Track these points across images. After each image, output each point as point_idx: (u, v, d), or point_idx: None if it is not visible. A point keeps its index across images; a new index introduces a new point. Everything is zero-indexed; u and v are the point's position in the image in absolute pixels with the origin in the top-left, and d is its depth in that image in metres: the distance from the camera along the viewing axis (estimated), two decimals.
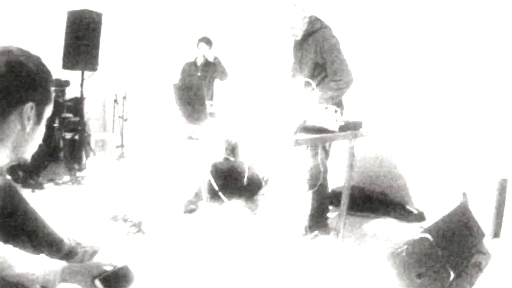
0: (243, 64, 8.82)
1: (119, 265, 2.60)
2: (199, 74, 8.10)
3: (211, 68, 8.29)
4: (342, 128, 4.58)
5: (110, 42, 9.24)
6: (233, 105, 4.95)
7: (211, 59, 8.33)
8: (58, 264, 2.40)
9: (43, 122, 2.33)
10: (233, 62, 8.87)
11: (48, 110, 2.35)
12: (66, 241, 3.58)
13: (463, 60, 6.46)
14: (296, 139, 4.05)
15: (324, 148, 5.63)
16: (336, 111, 4.43)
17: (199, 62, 8.15)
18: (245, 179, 6.21)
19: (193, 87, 5.07)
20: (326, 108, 4.45)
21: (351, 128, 4.83)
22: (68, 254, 3.56)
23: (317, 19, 5.63)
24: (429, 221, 5.02)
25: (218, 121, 5.00)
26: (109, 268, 2.52)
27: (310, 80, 5.18)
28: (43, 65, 2.27)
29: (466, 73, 6.43)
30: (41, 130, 2.33)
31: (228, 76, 8.43)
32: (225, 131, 4.98)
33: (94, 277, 2.42)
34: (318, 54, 5.51)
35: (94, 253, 3.85)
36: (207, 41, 8.11)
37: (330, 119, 4.36)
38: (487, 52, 6.23)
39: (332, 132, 4.45)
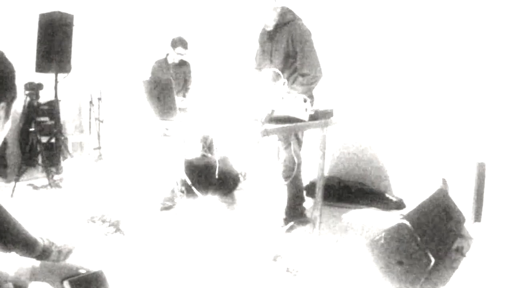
0: (212, 58, 8.80)
1: (93, 269, 2.56)
2: (170, 72, 8.03)
3: (182, 68, 8.23)
4: (313, 117, 4.58)
5: (82, 43, 9.18)
6: (203, 99, 4.92)
7: (186, 59, 8.28)
8: (29, 263, 2.37)
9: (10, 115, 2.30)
10: (202, 56, 8.85)
11: (15, 103, 2.32)
12: (39, 241, 3.56)
13: (438, 45, 6.48)
14: (265, 129, 4.05)
15: (297, 138, 5.61)
16: (305, 101, 4.41)
17: (170, 61, 8.07)
18: (216, 174, 6.16)
19: (162, 83, 5.03)
20: (295, 97, 4.44)
21: (321, 117, 4.81)
22: (42, 254, 3.54)
23: (289, 10, 5.61)
24: (409, 209, 5.00)
25: (189, 116, 4.99)
26: (82, 271, 2.48)
27: (279, 72, 5.16)
28: (7, 61, 2.23)
29: (441, 59, 6.46)
30: (9, 122, 2.30)
31: (191, 83, 8.38)
32: (196, 126, 4.97)
33: (64, 278, 2.38)
34: (290, 45, 5.49)
35: (69, 252, 3.83)
36: (185, 44, 8.04)
37: (300, 108, 4.35)
38: (460, 38, 6.25)
39: (302, 121, 4.44)
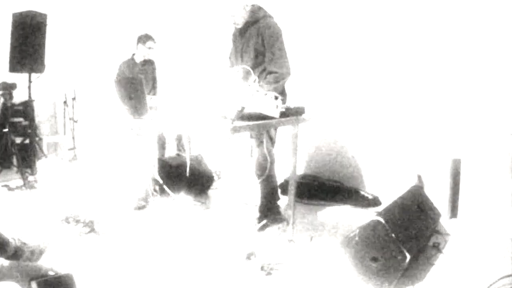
0: (181, 56, 8.77)
1: (62, 272, 2.53)
2: (138, 70, 7.96)
3: (149, 66, 8.16)
4: (284, 114, 4.56)
5: (56, 43, 9.11)
6: (173, 97, 4.89)
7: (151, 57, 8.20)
8: None
9: None
10: (171, 54, 8.82)
11: None
12: (11, 241, 3.51)
13: (410, 41, 6.51)
14: (235, 126, 4.02)
15: (270, 137, 5.59)
16: (276, 98, 4.39)
17: (138, 60, 8.00)
18: (187, 173, 6.13)
19: (133, 82, 5.00)
20: (266, 94, 4.42)
21: (292, 114, 4.80)
22: (14, 254, 3.49)
23: (260, 8, 5.59)
24: (385, 206, 5.00)
25: (159, 114, 4.96)
26: (51, 273, 2.45)
27: (250, 69, 5.13)
28: None
29: (415, 55, 6.48)
30: None
31: (157, 81, 8.33)
32: (166, 124, 4.94)
33: (32, 279, 2.35)
34: (260, 43, 5.47)
35: (41, 252, 3.78)
36: (153, 38, 7.98)
37: (270, 105, 4.33)
38: (433, 33, 6.28)
39: (273, 118, 4.42)
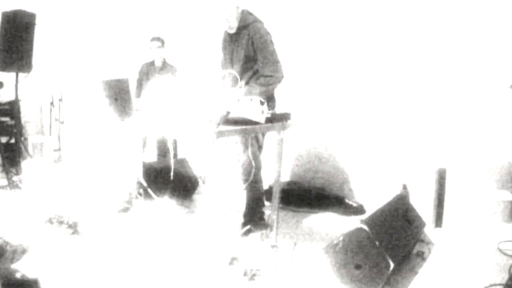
0: (169, 60, 8.76)
1: (30, 277, 2.51)
2: (157, 75, 7.97)
3: (169, 71, 8.16)
4: (269, 120, 4.55)
5: (44, 43, 9.07)
6: (158, 100, 4.88)
7: (164, 60, 8.20)
8: None
9: None
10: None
11: None
12: None
13: (396, 50, 6.53)
14: (219, 131, 4.02)
15: (257, 142, 5.58)
16: (262, 103, 4.39)
17: (158, 63, 8.02)
18: (171, 176, 6.12)
19: (120, 83, 4.98)
20: (251, 100, 4.41)
21: (278, 119, 4.79)
22: None
23: (250, 13, 5.60)
24: (369, 214, 5.00)
25: (143, 117, 4.95)
26: (18, 275, 2.43)
27: (237, 75, 5.13)
28: None
29: (402, 64, 6.51)
30: None
31: (176, 69, 8.31)
32: (151, 127, 4.94)
33: None
34: (250, 48, 5.47)
35: (24, 252, 3.77)
36: (163, 41, 8.01)
37: (256, 110, 4.32)
38: (423, 40, 6.31)
39: (259, 123, 4.41)
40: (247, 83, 5.42)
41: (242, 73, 5.46)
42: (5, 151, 8.13)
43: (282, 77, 5.44)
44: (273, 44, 5.49)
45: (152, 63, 8.11)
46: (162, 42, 8.06)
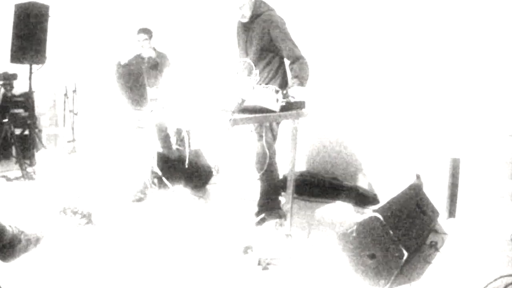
0: (183, 49, 8.75)
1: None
2: (146, 65, 7.95)
3: (160, 59, 8.15)
4: (284, 108, 4.53)
5: (57, 34, 9.09)
6: (174, 90, 4.88)
7: (152, 54, 8.18)
8: None
9: None
10: (172, 48, 8.80)
11: None
12: (8, 229, 3.51)
13: (412, 41, 6.49)
14: (234, 119, 4.01)
15: (271, 130, 5.57)
16: (277, 91, 4.38)
17: (146, 55, 8.00)
18: (186, 165, 6.12)
19: (134, 73, 4.99)
20: (266, 88, 4.41)
21: (293, 108, 4.77)
22: (10, 242, 3.49)
23: (262, 1, 5.57)
24: (383, 203, 4.99)
25: (159, 106, 4.95)
26: None
27: (252, 64, 5.13)
28: None
29: (416, 55, 6.46)
30: None
31: (169, 63, 8.27)
32: (166, 116, 4.94)
33: None
34: (266, 37, 5.45)
35: (38, 241, 3.78)
36: (149, 33, 7.98)
37: (271, 99, 4.31)
38: (433, 33, 6.28)
39: (273, 112, 4.40)
40: (263, 71, 5.43)
41: (257, 61, 5.45)
42: (19, 142, 8.16)
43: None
44: (288, 30, 5.49)
45: (139, 55, 8.07)
46: (150, 34, 8.03)
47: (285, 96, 4.56)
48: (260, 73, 5.33)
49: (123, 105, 5.13)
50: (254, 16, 5.53)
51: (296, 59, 5.37)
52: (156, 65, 8.00)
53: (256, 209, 5.85)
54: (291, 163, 5.16)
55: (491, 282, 4.08)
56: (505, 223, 5.58)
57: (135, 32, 7.90)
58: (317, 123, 6.08)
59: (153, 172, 6.67)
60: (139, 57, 8.01)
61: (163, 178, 6.58)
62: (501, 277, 4.13)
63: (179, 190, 6.67)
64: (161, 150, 7.33)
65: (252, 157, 5.68)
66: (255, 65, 5.29)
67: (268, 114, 4.47)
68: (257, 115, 4.39)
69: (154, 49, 8.03)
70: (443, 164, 6.05)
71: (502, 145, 5.84)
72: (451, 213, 5.94)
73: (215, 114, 4.22)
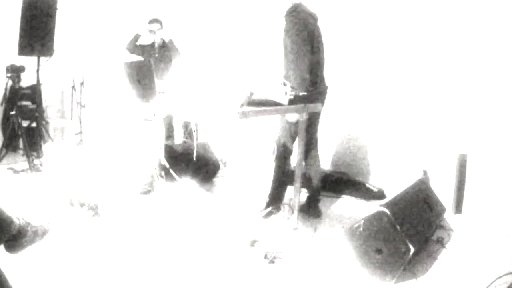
0: (193, 43, 8.76)
1: None
2: (156, 55, 7.98)
3: (167, 49, 8.16)
4: (292, 102, 4.53)
5: (65, 27, 9.09)
6: (182, 82, 4.89)
7: (166, 40, 8.20)
8: None
9: None
10: (181, 40, 8.81)
11: None
12: (15, 220, 3.51)
13: (421, 39, 6.49)
14: (243, 111, 4.01)
15: (290, 133, 5.54)
16: (285, 84, 4.38)
17: (157, 43, 8.02)
18: (194, 157, 6.14)
19: (142, 65, 4.99)
20: (275, 81, 4.41)
21: (301, 101, 4.76)
22: (17, 233, 3.50)
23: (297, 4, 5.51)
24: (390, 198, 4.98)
25: (167, 99, 4.96)
26: None
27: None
28: None
29: (424, 51, 6.45)
30: None
31: (180, 55, 8.28)
32: (174, 109, 4.94)
33: None
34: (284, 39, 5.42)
35: (45, 233, 3.79)
36: (160, 23, 8.00)
37: (279, 92, 4.31)
38: (441, 32, 6.28)
39: (282, 105, 4.40)
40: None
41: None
42: (26, 135, 8.17)
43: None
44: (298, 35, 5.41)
45: (151, 44, 8.09)
46: (162, 24, 8.05)
47: (293, 89, 4.56)
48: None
49: (131, 98, 5.13)
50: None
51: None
52: (168, 56, 8.02)
53: (266, 199, 5.85)
54: (298, 156, 5.15)
55: (497, 279, 4.07)
56: None
57: (145, 23, 7.93)
58: (323, 118, 6.05)
59: (160, 165, 6.67)
60: (151, 46, 8.03)
61: (171, 171, 6.58)
62: (507, 274, 4.13)
63: (187, 183, 6.68)
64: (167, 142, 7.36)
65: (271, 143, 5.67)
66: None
67: (276, 108, 4.47)
68: (265, 108, 4.38)
69: (165, 40, 8.05)
70: (451, 160, 6.04)
71: (510, 140, 5.83)
72: (458, 209, 5.94)
73: (224, 107, 4.22)
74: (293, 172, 5.92)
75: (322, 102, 5.52)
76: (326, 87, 5.67)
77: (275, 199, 5.80)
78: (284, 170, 5.76)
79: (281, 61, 5.50)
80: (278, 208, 5.76)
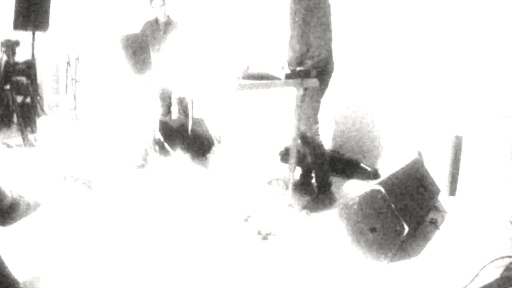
0: (190, 17, 8.73)
1: None
2: (161, 33, 7.94)
3: (173, 29, 8.12)
4: (289, 76, 4.50)
5: (61, 1, 9.05)
6: (177, 56, 4.87)
7: (168, 17, 8.15)
8: None
9: None
10: (177, 14, 8.78)
11: None
12: (8, 193, 3.49)
13: (417, 23, 6.46)
14: (239, 84, 4.00)
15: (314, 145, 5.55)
16: (283, 68, 4.37)
17: (161, 20, 7.96)
18: (189, 131, 6.13)
19: (138, 39, 4.97)
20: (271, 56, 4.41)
21: (297, 76, 4.73)
22: (10, 206, 3.48)
23: None
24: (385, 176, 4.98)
25: (162, 72, 4.94)
26: None
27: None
28: None
29: (420, 34, 6.43)
30: None
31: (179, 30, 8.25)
32: (168, 82, 4.93)
33: None
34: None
35: (37, 206, 3.78)
36: None
37: (275, 66, 4.30)
38: (439, 15, 6.24)
39: (278, 79, 4.38)
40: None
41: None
42: (20, 110, 8.13)
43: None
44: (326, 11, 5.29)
45: (156, 20, 8.05)
46: (163, 0, 8.00)
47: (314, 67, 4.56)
48: None
49: (126, 72, 5.11)
50: None
51: None
52: (173, 33, 7.99)
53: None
54: (294, 132, 5.12)
55: (490, 262, 4.07)
56: (506, 203, 5.58)
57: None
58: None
59: (154, 139, 6.66)
60: (154, 22, 7.98)
61: (165, 144, 6.57)
62: (500, 257, 4.13)
63: (181, 158, 6.67)
64: (161, 118, 7.35)
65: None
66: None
67: (272, 81, 4.44)
68: (262, 81, 4.37)
69: (168, 17, 8.01)
70: (445, 141, 6.04)
71: (503, 126, 5.83)
72: (452, 191, 5.94)
73: (220, 80, 4.20)
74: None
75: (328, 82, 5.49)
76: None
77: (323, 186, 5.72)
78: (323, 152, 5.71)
79: (289, 41, 5.47)
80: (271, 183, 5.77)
